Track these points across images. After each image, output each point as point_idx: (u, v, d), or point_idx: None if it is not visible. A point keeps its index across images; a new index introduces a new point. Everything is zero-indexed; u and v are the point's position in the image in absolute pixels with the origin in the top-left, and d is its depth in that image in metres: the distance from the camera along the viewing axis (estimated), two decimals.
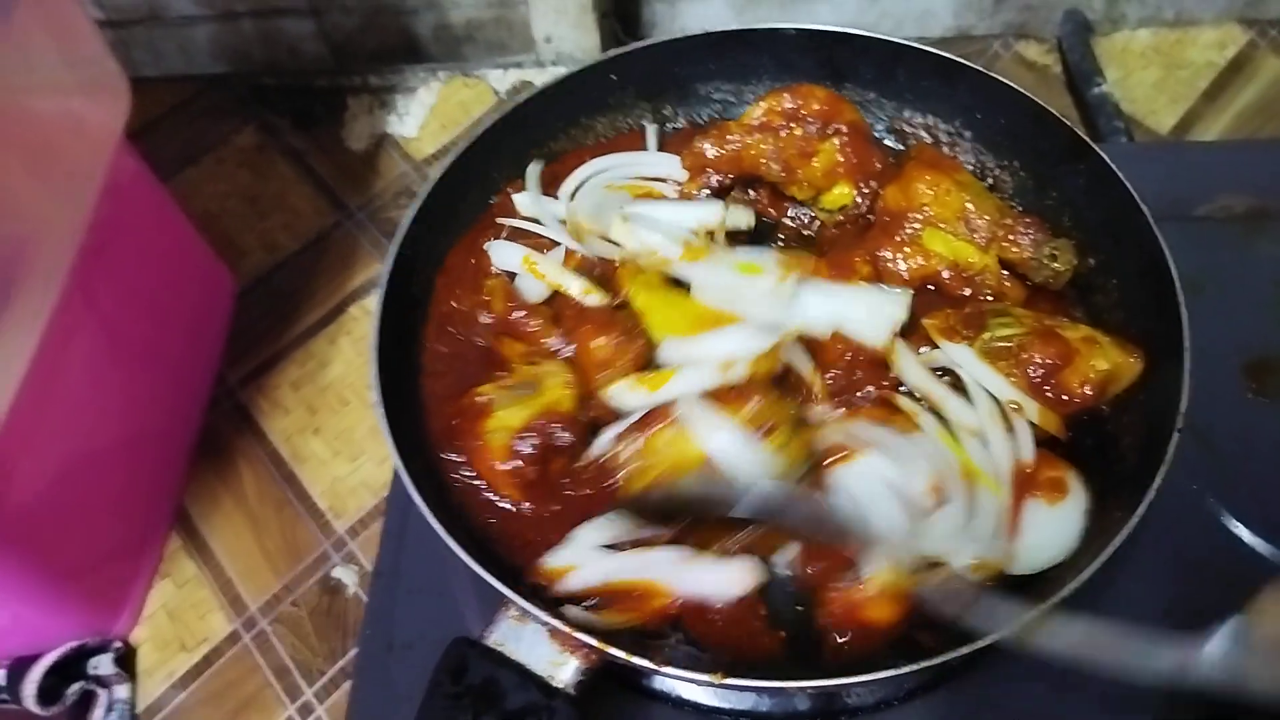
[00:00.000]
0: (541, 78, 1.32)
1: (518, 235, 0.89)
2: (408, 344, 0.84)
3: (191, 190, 1.29)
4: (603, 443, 0.75)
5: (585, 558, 0.70)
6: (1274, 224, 1.03)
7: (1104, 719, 0.78)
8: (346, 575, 0.99)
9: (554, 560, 0.71)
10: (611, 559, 0.70)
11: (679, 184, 0.91)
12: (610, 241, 0.85)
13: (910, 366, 0.78)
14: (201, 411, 1.10)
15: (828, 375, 0.79)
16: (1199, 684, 0.56)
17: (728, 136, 0.88)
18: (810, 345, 0.80)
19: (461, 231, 0.91)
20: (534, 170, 0.92)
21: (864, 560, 0.69)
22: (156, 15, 1.37)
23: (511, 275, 0.86)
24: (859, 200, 0.89)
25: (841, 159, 0.87)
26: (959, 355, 0.77)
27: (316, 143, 1.33)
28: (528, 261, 0.84)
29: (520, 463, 0.73)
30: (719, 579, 0.70)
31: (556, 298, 0.84)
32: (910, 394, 0.79)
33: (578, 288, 0.82)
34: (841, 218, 0.90)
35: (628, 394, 0.76)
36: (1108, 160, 0.81)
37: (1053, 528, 0.72)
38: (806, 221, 0.92)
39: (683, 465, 0.73)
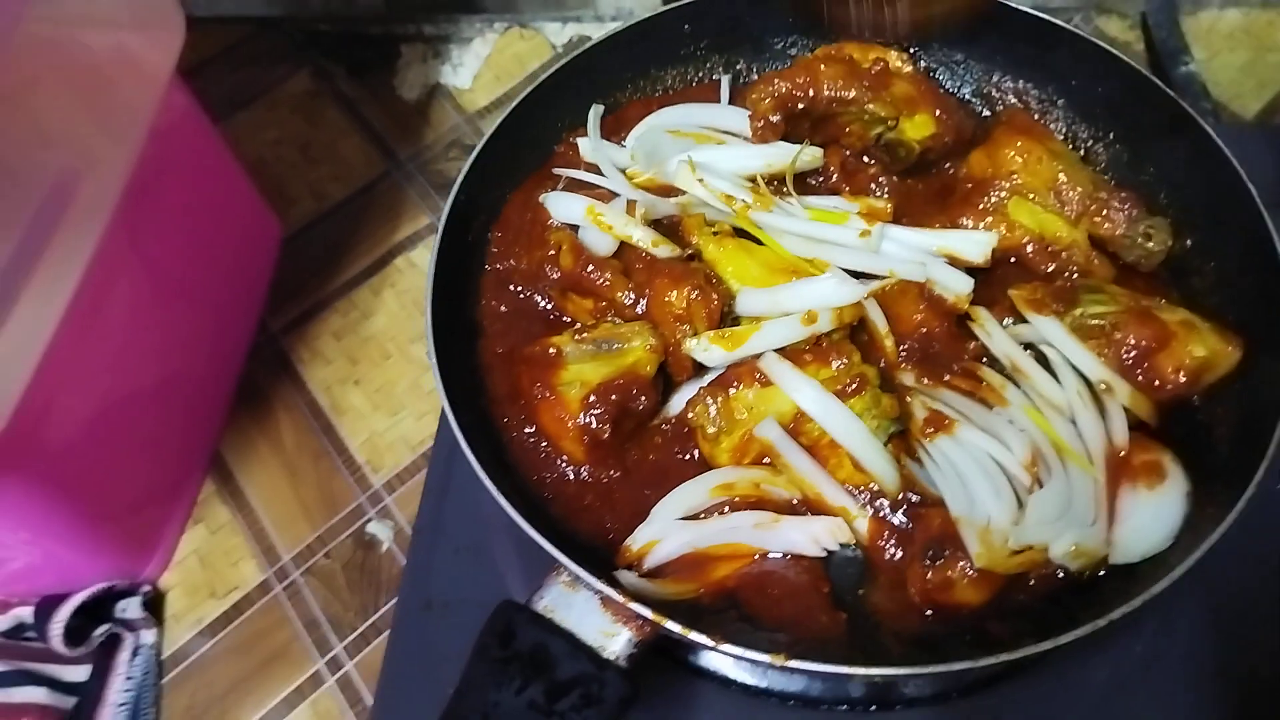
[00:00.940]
0: (600, 32, 1.27)
1: (576, 188, 0.85)
2: (460, 299, 0.81)
3: (241, 134, 1.26)
4: (679, 402, 0.72)
5: (668, 530, 0.67)
6: None
7: None
8: (381, 531, 0.97)
9: (639, 539, 0.68)
10: (694, 528, 0.67)
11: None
12: (674, 191, 0.81)
13: (997, 334, 0.74)
14: (242, 358, 1.08)
15: (903, 346, 0.75)
16: None
17: (798, 72, 0.83)
18: (887, 313, 0.75)
19: (518, 183, 0.87)
20: (595, 113, 0.88)
21: (966, 539, 0.65)
22: None
23: (574, 229, 0.82)
24: (942, 134, 0.83)
25: (915, 90, 0.82)
26: (1048, 329, 0.73)
27: (369, 91, 1.30)
28: (591, 212, 0.79)
29: (593, 420, 0.70)
30: (804, 536, 0.68)
31: (623, 251, 0.80)
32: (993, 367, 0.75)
33: (647, 238, 0.78)
34: (921, 155, 0.84)
35: (707, 351, 0.72)
36: (1214, 136, 0.76)
37: (1152, 514, 0.67)
38: (878, 178, 0.86)
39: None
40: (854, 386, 0.70)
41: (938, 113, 0.83)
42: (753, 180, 0.80)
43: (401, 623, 0.80)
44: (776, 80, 0.81)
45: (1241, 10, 1.32)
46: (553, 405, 0.71)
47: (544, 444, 0.72)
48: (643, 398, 0.71)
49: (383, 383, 1.06)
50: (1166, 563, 0.63)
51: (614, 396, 0.70)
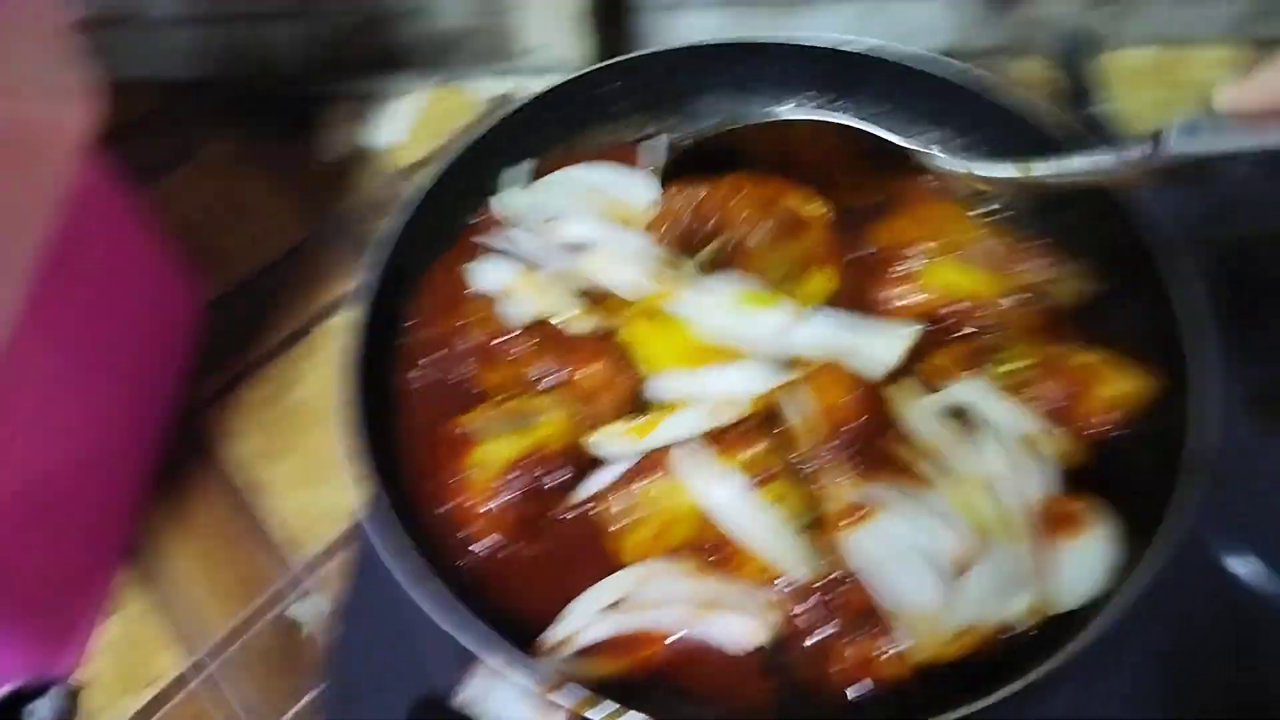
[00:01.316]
0: (531, 88, 1.27)
1: (500, 257, 0.83)
2: (379, 372, 0.79)
3: (164, 199, 1.23)
4: (591, 488, 0.70)
5: (587, 622, 0.65)
6: (1275, 249, 0.98)
7: None
8: (304, 613, 0.92)
9: (556, 633, 0.65)
10: (616, 619, 0.65)
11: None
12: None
13: (919, 414, 0.73)
14: (160, 433, 1.04)
15: (831, 437, 0.72)
16: (1171, 160, 0.58)
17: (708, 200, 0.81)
18: (812, 406, 0.73)
19: (439, 251, 0.85)
20: (516, 173, 0.86)
21: (901, 632, 0.64)
22: (138, 16, 1.32)
23: (494, 299, 0.80)
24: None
25: (823, 244, 0.81)
26: (972, 391, 0.72)
27: (295, 152, 1.27)
28: (511, 284, 0.78)
29: (501, 503, 0.68)
30: (728, 634, 0.65)
31: (542, 324, 0.78)
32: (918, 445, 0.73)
33: (566, 312, 0.76)
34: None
35: (614, 441, 0.70)
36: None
37: (1083, 560, 0.67)
38: None
39: (678, 520, 0.68)
40: (763, 477, 0.68)
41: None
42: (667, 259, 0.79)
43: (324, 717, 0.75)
44: (680, 201, 0.80)
45: (1149, 48, 1.36)
46: (461, 488, 0.69)
47: (458, 526, 0.69)
48: (553, 475, 0.69)
49: (307, 456, 1.02)
50: (1099, 608, 0.63)
51: (524, 476, 0.68)
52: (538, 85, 0.90)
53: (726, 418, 0.70)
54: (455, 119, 1.30)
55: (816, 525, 0.69)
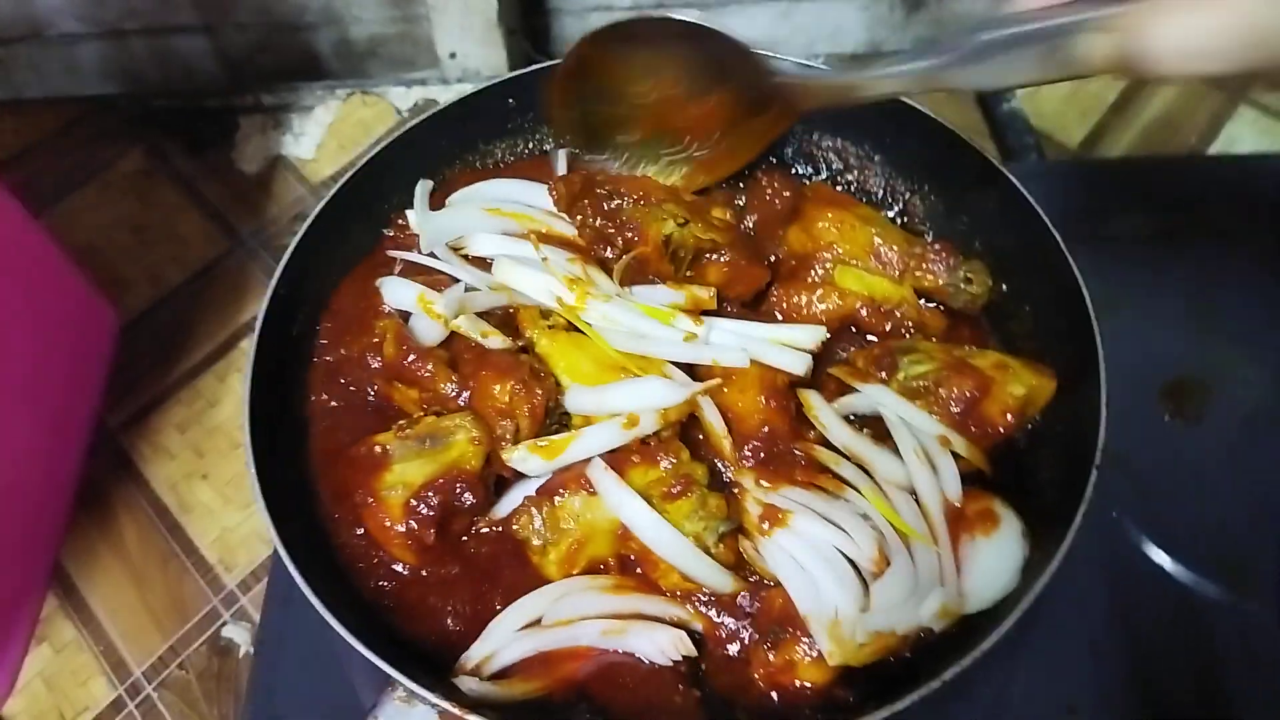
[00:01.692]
0: (446, 95, 1.26)
1: (412, 272, 0.83)
2: (290, 392, 0.79)
3: (72, 220, 1.21)
4: (506, 507, 0.71)
5: (506, 642, 0.65)
6: (1185, 243, 1.03)
7: None
8: (238, 634, 0.93)
9: (474, 654, 0.66)
10: (535, 637, 0.66)
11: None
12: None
13: (833, 423, 0.75)
14: (80, 459, 1.02)
15: (747, 445, 0.74)
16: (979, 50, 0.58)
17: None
18: (727, 415, 0.75)
19: (349, 267, 0.85)
20: (423, 188, 0.86)
21: (816, 636, 0.66)
22: (39, 33, 1.29)
23: (405, 316, 0.80)
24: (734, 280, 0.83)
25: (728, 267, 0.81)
26: (879, 395, 0.75)
27: (207, 166, 1.26)
28: (422, 300, 0.78)
29: (416, 525, 0.68)
30: (652, 646, 0.66)
31: (454, 340, 0.78)
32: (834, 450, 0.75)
33: (475, 329, 0.76)
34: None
35: (525, 461, 0.71)
36: (1018, 185, 0.80)
37: (994, 559, 0.69)
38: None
39: (596, 534, 0.69)
40: (679, 488, 0.69)
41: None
42: (579, 272, 0.79)
43: None
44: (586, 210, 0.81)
45: None
46: (375, 511, 0.69)
47: (374, 548, 0.70)
48: (468, 495, 0.69)
49: (232, 475, 1.02)
50: (1006, 607, 0.64)
51: (437, 497, 0.68)
52: (452, 94, 0.90)
53: (641, 431, 0.71)
54: (371, 128, 1.30)
55: (737, 533, 0.70)
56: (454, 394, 0.74)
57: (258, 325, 0.74)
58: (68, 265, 1.04)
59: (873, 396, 0.75)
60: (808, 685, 0.66)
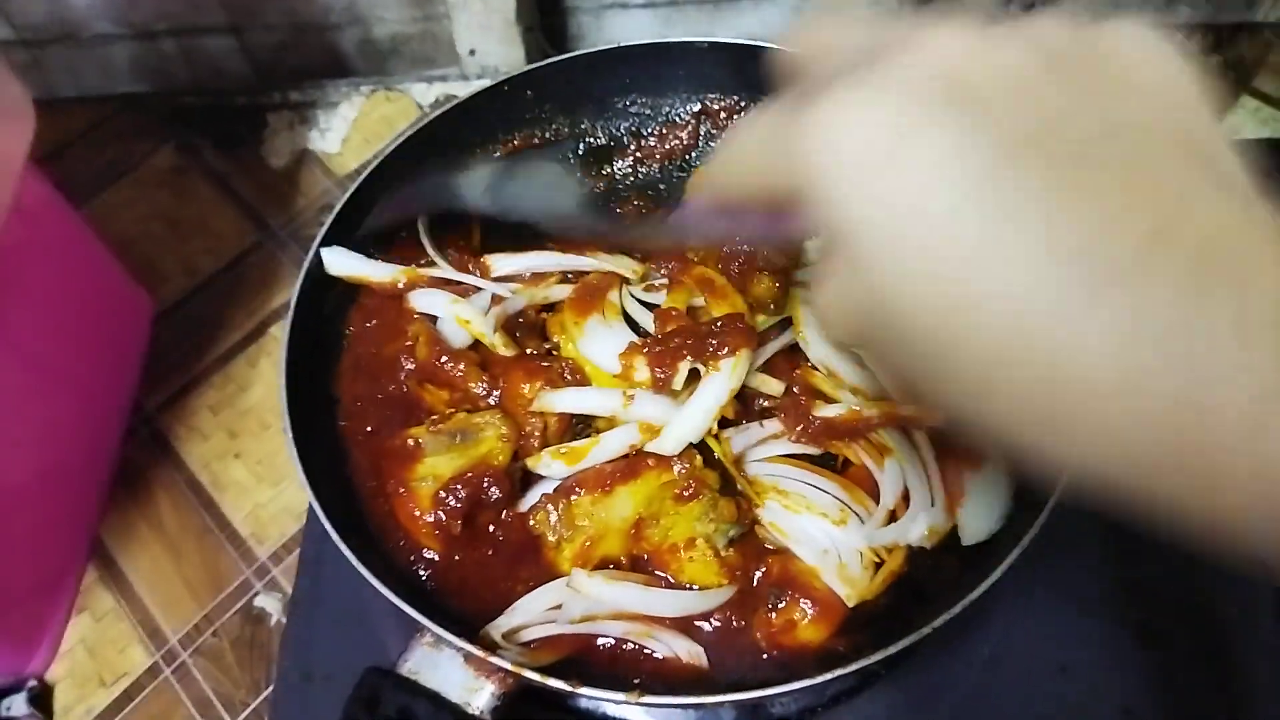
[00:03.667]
0: (466, 90, 1.30)
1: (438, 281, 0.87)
2: (322, 374, 0.83)
3: (109, 213, 1.26)
4: (528, 502, 0.75)
5: (534, 619, 0.69)
6: None
7: None
8: (270, 603, 0.97)
9: (502, 624, 0.69)
10: (561, 626, 0.69)
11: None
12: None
13: (815, 341, 0.79)
14: (118, 439, 1.07)
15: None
16: None
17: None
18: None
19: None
20: (422, 225, 0.89)
21: (830, 584, 0.70)
22: (72, 35, 1.34)
23: (432, 319, 0.84)
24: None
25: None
26: None
27: (237, 162, 1.31)
28: (451, 308, 0.82)
29: (444, 515, 0.71)
30: (674, 651, 0.70)
31: (481, 344, 0.82)
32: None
33: (498, 339, 0.80)
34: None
35: (550, 465, 0.74)
36: None
37: (984, 491, 0.73)
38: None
39: (607, 532, 0.72)
40: (690, 491, 0.72)
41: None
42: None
43: (282, 697, 0.80)
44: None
45: None
46: (406, 500, 0.72)
47: (405, 534, 0.73)
48: (495, 489, 0.72)
49: (263, 454, 1.07)
50: (1001, 549, 0.67)
51: (465, 490, 0.71)
52: (472, 89, 0.94)
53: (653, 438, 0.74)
54: (394, 123, 1.35)
55: (742, 540, 0.74)
56: (484, 393, 0.77)
57: (291, 305, 0.79)
58: (106, 256, 1.09)
59: None
60: (808, 644, 0.70)
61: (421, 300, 0.84)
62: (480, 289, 0.85)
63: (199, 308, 1.18)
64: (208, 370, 1.13)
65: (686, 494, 0.72)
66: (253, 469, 1.06)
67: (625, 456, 0.75)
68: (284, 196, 1.27)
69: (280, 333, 1.13)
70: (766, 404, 0.80)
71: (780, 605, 0.70)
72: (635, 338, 0.79)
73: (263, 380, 1.12)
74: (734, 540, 0.73)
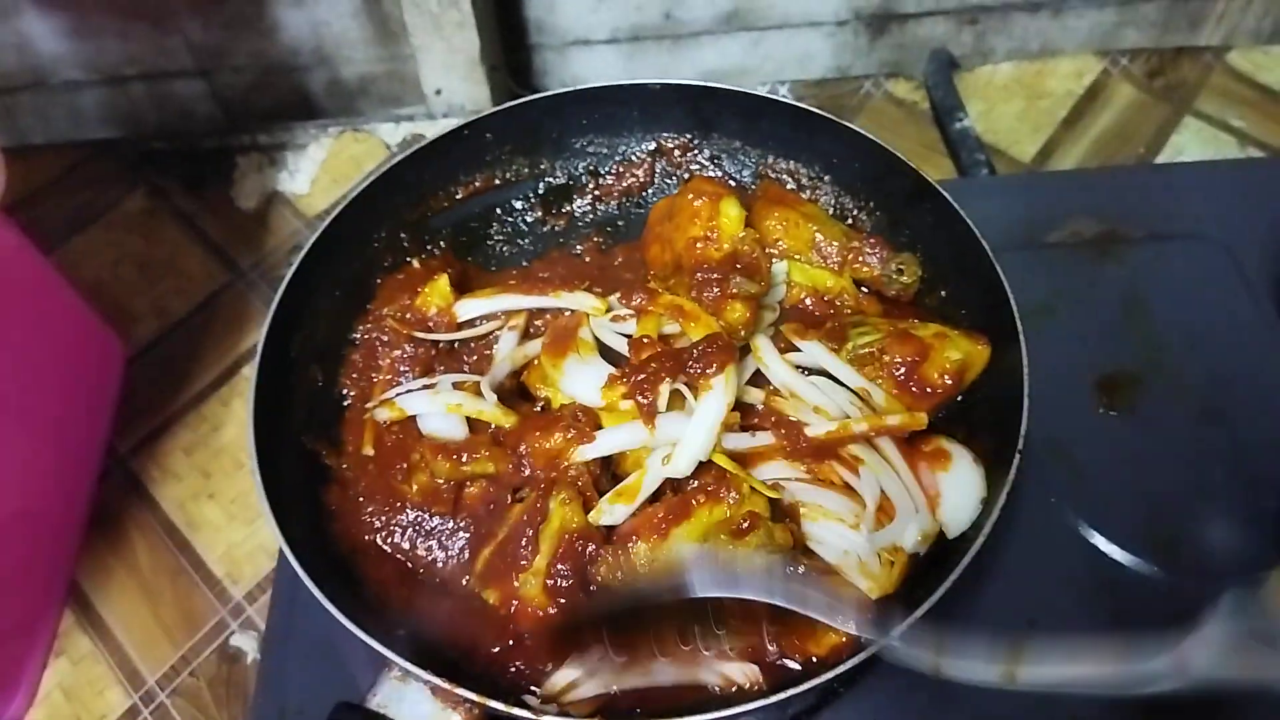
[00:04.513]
0: (433, 130, 1.34)
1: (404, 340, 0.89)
2: (288, 407, 0.85)
3: (80, 258, 1.28)
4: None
5: (589, 673, 0.72)
6: (1120, 247, 1.09)
7: None
8: (245, 642, 0.99)
9: (558, 681, 0.71)
10: (613, 675, 0.72)
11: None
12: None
13: (773, 362, 0.83)
14: (92, 483, 1.08)
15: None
16: (1197, 682, 0.49)
17: None
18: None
19: (346, 292, 0.92)
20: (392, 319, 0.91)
21: (853, 580, 0.75)
22: (42, 81, 1.36)
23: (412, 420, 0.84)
24: None
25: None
26: (814, 351, 0.83)
27: (206, 204, 1.33)
28: (437, 400, 0.83)
29: (564, 599, 0.71)
30: (729, 675, 0.73)
31: (476, 424, 0.83)
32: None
33: (498, 410, 0.82)
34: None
35: (613, 512, 0.75)
36: (950, 200, 0.87)
37: (959, 487, 0.79)
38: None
39: (662, 568, 0.73)
40: (746, 525, 0.73)
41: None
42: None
43: None
44: None
45: (1014, 62, 1.47)
46: (524, 610, 0.72)
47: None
48: (590, 545, 0.73)
49: (237, 494, 1.08)
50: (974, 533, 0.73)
51: (567, 564, 0.72)
52: (439, 128, 0.97)
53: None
54: (362, 163, 1.37)
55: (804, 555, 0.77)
56: (513, 469, 0.78)
57: (259, 347, 0.81)
58: (77, 301, 1.10)
59: (810, 352, 0.84)
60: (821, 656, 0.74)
61: (412, 405, 0.84)
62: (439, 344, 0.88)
63: (171, 349, 1.19)
64: (181, 411, 1.15)
65: (744, 527, 0.74)
66: (226, 508, 1.07)
67: (671, 495, 0.77)
68: (254, 237, 1.29)
69: (253, 373, 1.16)
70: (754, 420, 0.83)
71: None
72: (612, 369, 0.81)
73: (235, 420, 1.14)
74: (797, 558, 0.76)
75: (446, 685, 0.65)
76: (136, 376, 1.17)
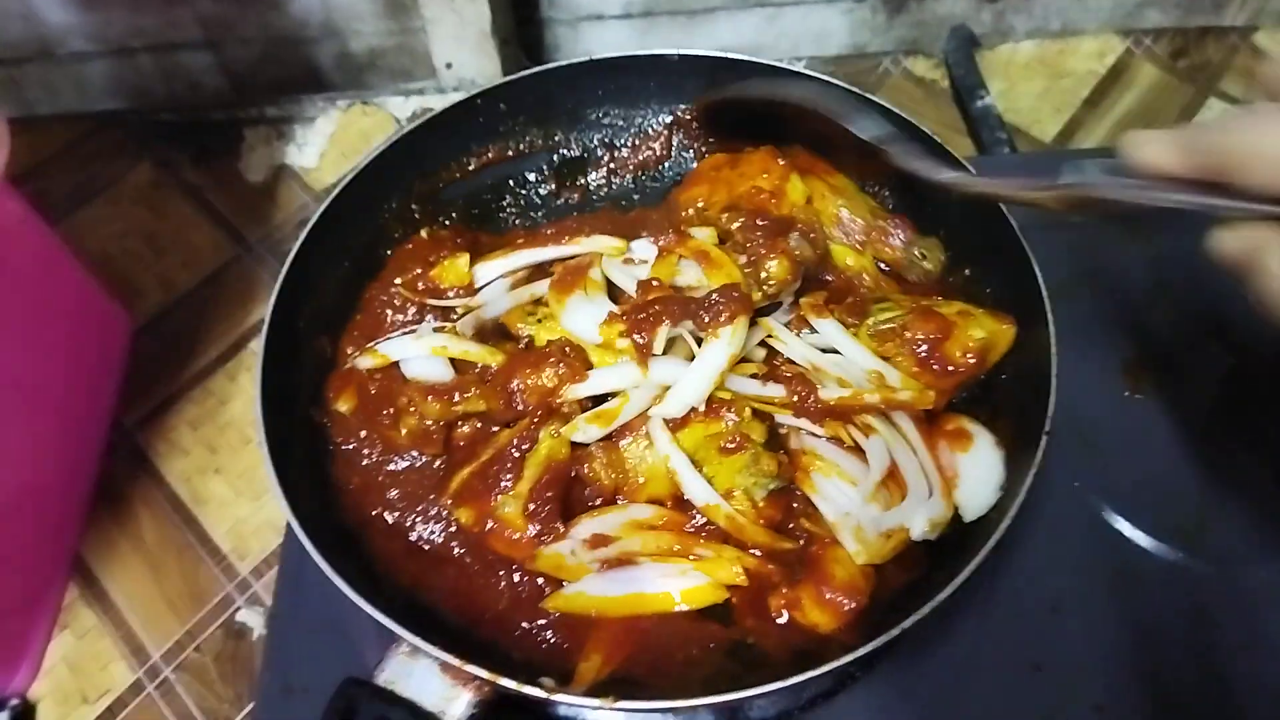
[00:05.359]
0: (443, 104, 1.31)
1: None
2: (297, 378, 0.84)
3: (86, 230, 1.26)
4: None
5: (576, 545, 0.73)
6: (1147, 225, 1.07)
7: None
8: (251, 618, 0.98)
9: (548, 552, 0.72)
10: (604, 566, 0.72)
11: None
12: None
13: (789, 339, 0.82)
14: (98, 457, 1.08)
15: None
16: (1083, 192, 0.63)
17: None
18: None
19: (354, 267, 0.90)
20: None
21: (844, 540, 0.73)
22: (49, 52, 1.34)
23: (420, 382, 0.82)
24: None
25: None
26: (827, 330, 0.81)
27: (214, 177, 1.31)
28: (422, 343, 0.82)
29: (541, 524, 0.73)
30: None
31: (463, 363, 0.82)
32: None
33: (483, 350, 0.81)
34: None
35: (587, 430, 0.76)
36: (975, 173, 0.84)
37: (978, 469, 0.76)
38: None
39: (654, 476, 0.75)
40: (735, 444, 0.74)
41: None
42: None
43: (264, 710, 0.81)
44: None
45: (1035, 41, 1.44)
46: (500, 532, 0.74)
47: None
48: (573, 470, 0.75)
49: (243, 469, 1.07)
50: (994, 521, 0.70)
51: (548, 491, 0.73)
52: (448, 102, 0.94)
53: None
54: (371, 137, 1.35)
55: (782, 494, 0.76)
56: (505, 405, 0.77)
57: (266, 321, 0.79)
58: (83, 274, 1.09)
59: (823, 331, 0.82)
60: (812, 626, 0.72)
61: (398, 351, 0.83)
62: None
63: (177, 323, 1.18)
64: (187, 385, 1.13)
65: (731, 446, 0.74)
66: (233, 483, 1.06)
67: None
68: (261, 211, 1.28)
69: (260, 347, 1.15)
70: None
71: (797, 579, 0.73)
72: (615, 308, 0.79)
73: (242, 394, 1.12)
74: (774, 493, 0.74)
75: (456, 661, 0.63)
76: (142, 350, 1.16)
